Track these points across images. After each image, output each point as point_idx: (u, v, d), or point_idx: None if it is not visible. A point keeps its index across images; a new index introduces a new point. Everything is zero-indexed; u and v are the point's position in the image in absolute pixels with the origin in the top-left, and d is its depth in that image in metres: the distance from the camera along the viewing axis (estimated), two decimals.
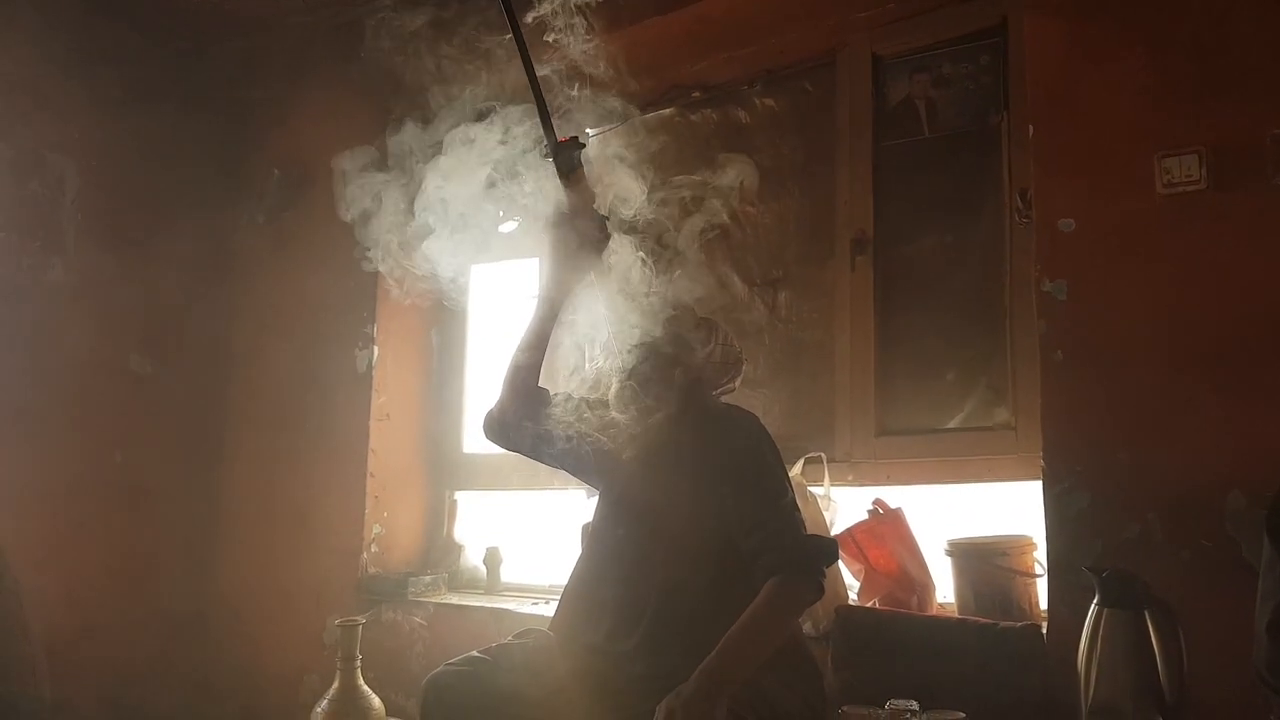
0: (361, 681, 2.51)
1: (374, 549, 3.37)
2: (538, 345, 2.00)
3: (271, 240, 3.63)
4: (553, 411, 2.07)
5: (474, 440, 3.56)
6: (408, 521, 3.51)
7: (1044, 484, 2.27)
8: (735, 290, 3.09)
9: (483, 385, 3.59)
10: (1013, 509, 2.63)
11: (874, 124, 2.89)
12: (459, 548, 3.48)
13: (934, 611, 2.53)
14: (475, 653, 1.98)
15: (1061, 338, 2.27)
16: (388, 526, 3.42)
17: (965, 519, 2.69)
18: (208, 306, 3.68)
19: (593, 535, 2.17)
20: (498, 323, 3.51)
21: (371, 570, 3.34)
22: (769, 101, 3.09)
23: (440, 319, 3.64)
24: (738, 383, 2.22)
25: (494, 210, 2.22)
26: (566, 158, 1.86)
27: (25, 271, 3.23)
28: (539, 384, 2.07)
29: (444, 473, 3.59)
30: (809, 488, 2.66)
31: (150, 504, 3.51)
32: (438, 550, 3.52)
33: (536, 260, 3.09)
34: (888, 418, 2.81)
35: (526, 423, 2.07)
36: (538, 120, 1.88)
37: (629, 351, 2.00)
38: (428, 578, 3.31)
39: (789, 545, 1.89)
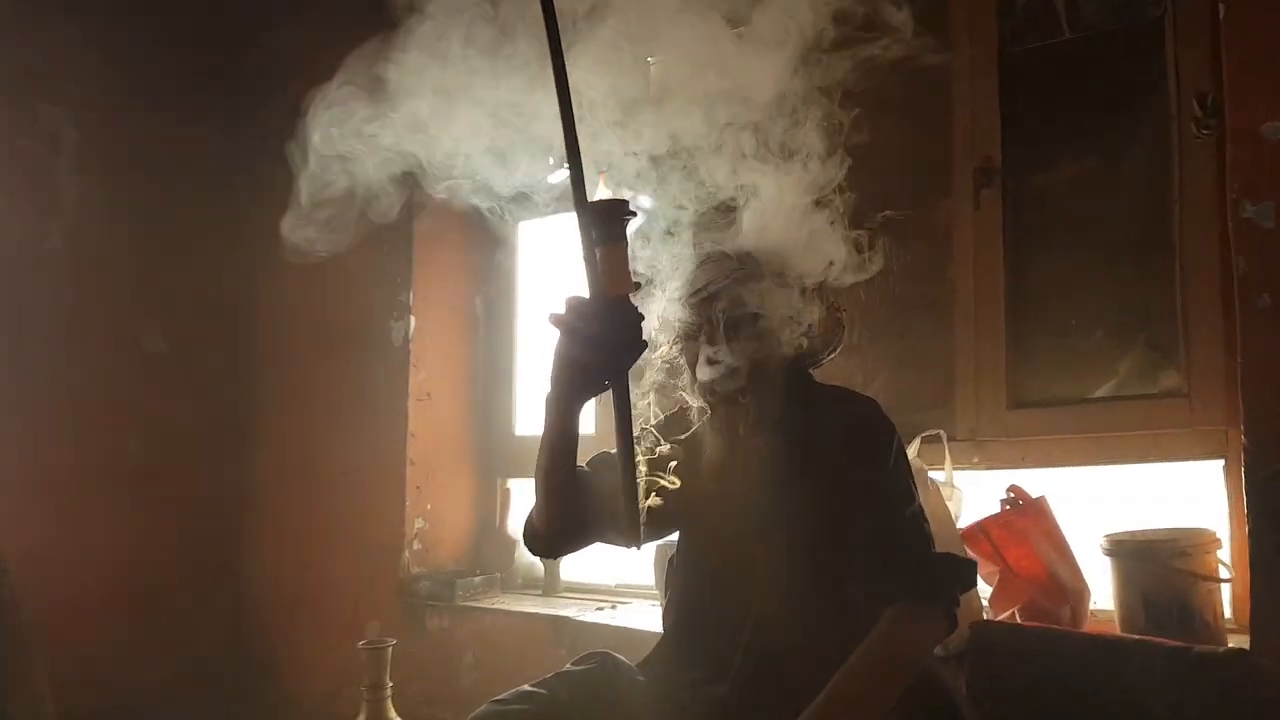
0: (392, 713, 2.10)
1: (416, 546, 3.01)
2: (564, 457, 1.52)
3: (294, 200, 3.24)
4: (603, 484, 1.62)
5: (527, 421, 3.15)
6: (455, 514, 3.16)
7: (1246, 466, 1.83)
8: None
9: (536, 358, 3.18)
10: (1178, 496, 2.25)
11: (1000, 25, 2.42)
12: (513, 543, 3.10)
13: (1089, 624, 2.06)
14: (528, 686, 1.61)
15: (1269, 277, 1.80)
16: (432, 520, 3.06)
17: (1117, 510, 2.30)
18: (227, 276, 3.30)
19: (679, 572, 1.78)
20: (551, 286, 3.09)
21: (414, 570, 2.99)
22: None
23: (486, 283, 3.21)
24: (837, 354, 1.79)
25: (542, 153, 1.77)
26: (607, 226, 1.28)
27: (18, 241, 2.90)
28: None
29: (494, 458, 3.24)
30: (929, 473, 2.19)
31: (167, 497, 3.19)
32: (489, 546, 3.17)
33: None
34: (1022, 386, 2.38)
35: (577, 527, 1.65)
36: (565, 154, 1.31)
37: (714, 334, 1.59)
38: (478, 578, 2.95)
39: (916, 565, 1.54)
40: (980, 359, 2.38)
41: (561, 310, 1.33)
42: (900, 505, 1.60)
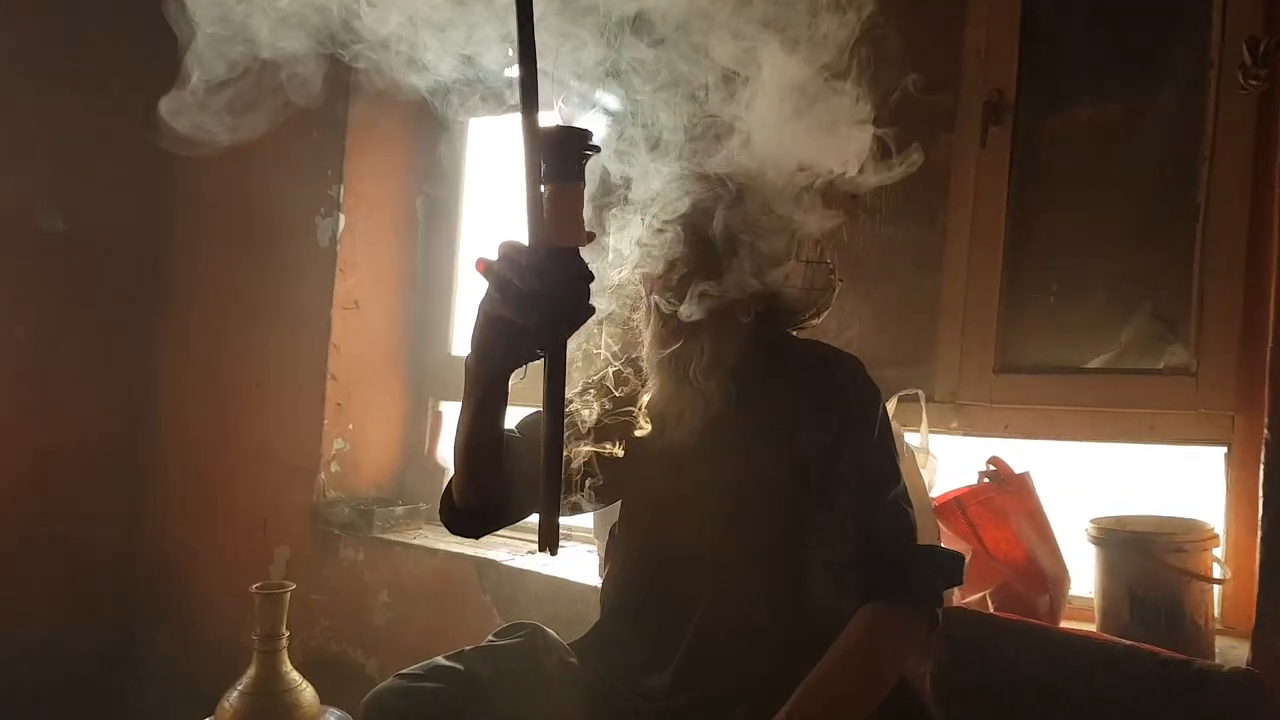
0: (288, 667, 1.86)
1: (334, 468, 2.73)
2: (486, 432, 1.25)
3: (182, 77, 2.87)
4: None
5: (464, 338, 2.86)
6: (379, 436, 2.87)
7: (1267, 463, 1.62)
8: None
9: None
10: (1168, 482, 2.07)
11: None
12: (442, 471, 2.83)
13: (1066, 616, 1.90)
14: (443, 659, 1.39)
15: None
16: (353, 441, 2.78)
17: (1099, 490, 2.12)
18: (136, 151, 2.85)
19: (620, 543, 1.54)
20: (500, 188, 2.79)
21: (330, 494, 2.72)
22: None
23: (429, 182, 2.89)
24: (822, 318, 1.56)
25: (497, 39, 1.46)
26: (560, 159, 1.02)
27: None
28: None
29: (427, 377, 2.93)
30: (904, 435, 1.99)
31: (61, 395, 2.85)
32: (415, 473, 2.89)
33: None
34: (1012, 348, 2.15)
35: (501, 506, 1.37)
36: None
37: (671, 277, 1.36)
38: (400, 508, 2.70)
39: (898, 559, 1.38)
40: (969, 314, 2.15)
41: (493, 257, 1.05)
42: (883, 487, 1.42)
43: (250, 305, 2.86)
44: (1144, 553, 1.78)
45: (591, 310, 1.04)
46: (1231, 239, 1.90)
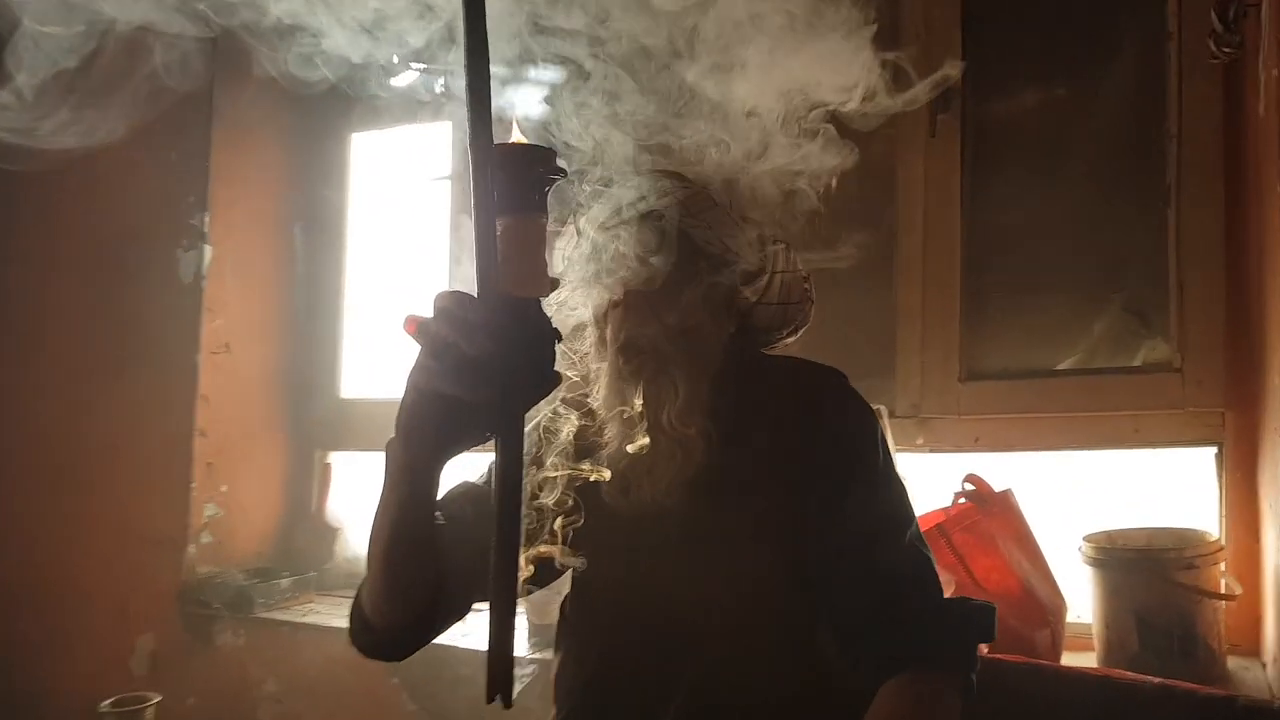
0: None
1: (206, 539, 2.37)
2: (412, 530, 0.98)
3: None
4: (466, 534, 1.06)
5: (354, 381, 2.55)
6: (258, 498, 2.52)
7: None
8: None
9: (367, 301, 2.58)
10: (1149, 488, 1.91)
11: None
12: (334, 532, 2.51)
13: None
14: None
15: None
16: (228, 505, 2.42)
17: (1070, 501, 1.95)
18: None
19: (578, 621, 1.25)
20: (389, 212, 2.50)
21: (202, 570, 2.35)
22: None
23: (307, 206, 2.57)
24: (799, 335, 1.33)
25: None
26: (519, 187, 0.79)
27: None
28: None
29: (312, 426, 2.61)
30: None
31: None
32: (303, 537, 2.54)
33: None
34: (977, 354, 2.00)
35: (427, 614, 1.08)
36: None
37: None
38: (286, 580, 2.35)
39: (924, 618, 1.12)
40: (928, 319, 1.99)
41: (428, 313, 0.78)
42: (897, 527, 1.16)
43: (102, 353, 2.48)
44: (1152, 572, 1.61)
45: (558, 379, 0.78)
46: (1209, 222, 1.79)
